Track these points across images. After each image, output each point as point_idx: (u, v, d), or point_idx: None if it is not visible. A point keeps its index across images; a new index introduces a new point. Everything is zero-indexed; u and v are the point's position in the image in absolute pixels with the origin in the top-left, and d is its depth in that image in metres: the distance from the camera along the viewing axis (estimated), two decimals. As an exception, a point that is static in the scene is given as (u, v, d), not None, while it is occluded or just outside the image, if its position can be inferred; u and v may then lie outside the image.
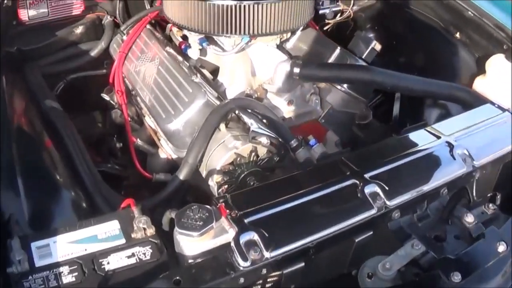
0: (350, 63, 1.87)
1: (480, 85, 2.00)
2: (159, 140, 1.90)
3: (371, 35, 2.48)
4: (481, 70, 2.07)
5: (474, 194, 1.42)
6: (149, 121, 1.95)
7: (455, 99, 1.74)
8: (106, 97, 2.17)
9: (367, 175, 1.27)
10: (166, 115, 1.79)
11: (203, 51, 1.96)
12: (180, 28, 1.91)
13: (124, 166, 2.08)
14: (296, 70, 1.77)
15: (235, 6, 1.72)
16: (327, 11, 2.28)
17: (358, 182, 1.26)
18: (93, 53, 2.34)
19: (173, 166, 1.83)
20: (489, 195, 1.48)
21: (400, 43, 2.31)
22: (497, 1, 2.14)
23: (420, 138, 1.49)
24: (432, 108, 2.06)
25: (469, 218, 1.28)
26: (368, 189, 1.24)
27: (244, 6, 1.71)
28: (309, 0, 1.86)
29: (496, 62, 1.95)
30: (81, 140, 1.81)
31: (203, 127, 1.62)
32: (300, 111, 1.89)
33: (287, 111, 1.87)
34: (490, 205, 1.37)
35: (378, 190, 1.23)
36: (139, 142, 1.96)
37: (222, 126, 1.66)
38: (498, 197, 1.47)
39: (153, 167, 1.92)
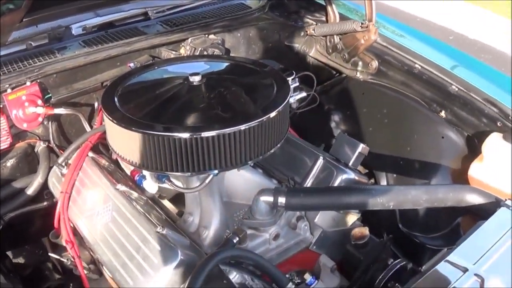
0: (343, 186, 1.58)
1: (477, 170, 1.79)
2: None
3: (337, 117, 2.24)
4: (473, 151, 1.87)
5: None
6: (110, 280, 1.62)
7: (465, 203, 1.50)
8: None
9: None
10: (134, 281, 1.46)
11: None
12: (128, 163, 1.52)
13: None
14: (281, 200, 1.45)
15: (195, 139, 1.35)
16: (291, 100, 2.02)
17: None
18: (30, 191, 2.00)
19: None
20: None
21: (373, 125, 2.07)
22: (484, 72, 1.95)
23: (447, 274, 1.24)
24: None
25: None
26: None
27: (207, 138, 1.35)
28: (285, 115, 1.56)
29: (493, 143, 1.75)
30: None
31: None
32: (289, 243, 1.61)
33: (274, 246, 1.58)
34: None
35: None
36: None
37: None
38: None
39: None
